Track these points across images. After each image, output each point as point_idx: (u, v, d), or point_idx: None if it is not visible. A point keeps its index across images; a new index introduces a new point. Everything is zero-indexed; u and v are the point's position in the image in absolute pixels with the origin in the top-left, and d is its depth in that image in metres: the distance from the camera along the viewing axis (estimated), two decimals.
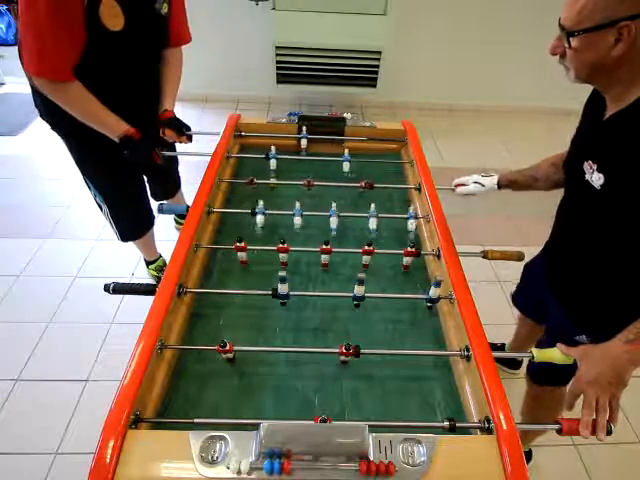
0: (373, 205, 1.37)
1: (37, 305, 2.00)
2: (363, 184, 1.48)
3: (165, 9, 1.40)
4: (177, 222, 2.45)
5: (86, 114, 1.36)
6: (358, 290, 1.07)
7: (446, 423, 0.83)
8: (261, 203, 1.35)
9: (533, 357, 0.93)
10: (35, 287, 2.10)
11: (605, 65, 0.80)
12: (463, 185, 1.37)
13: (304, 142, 1.69)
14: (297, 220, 1.35)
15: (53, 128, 1.52)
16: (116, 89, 1.42)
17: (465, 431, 0.87)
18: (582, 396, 0.83)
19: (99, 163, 1.60)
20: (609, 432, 0.78)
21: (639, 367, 0.83)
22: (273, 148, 1.60)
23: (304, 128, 1.70)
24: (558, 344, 0.92)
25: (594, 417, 0.80)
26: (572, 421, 0.80)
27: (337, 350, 0.96)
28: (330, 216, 1.35)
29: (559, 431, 0.81)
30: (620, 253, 0.94)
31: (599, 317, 1.06)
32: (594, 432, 0.78)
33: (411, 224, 1.39)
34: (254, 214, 1.35)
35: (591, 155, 0.90)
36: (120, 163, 1.59)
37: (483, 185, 1.32)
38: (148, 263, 2.18)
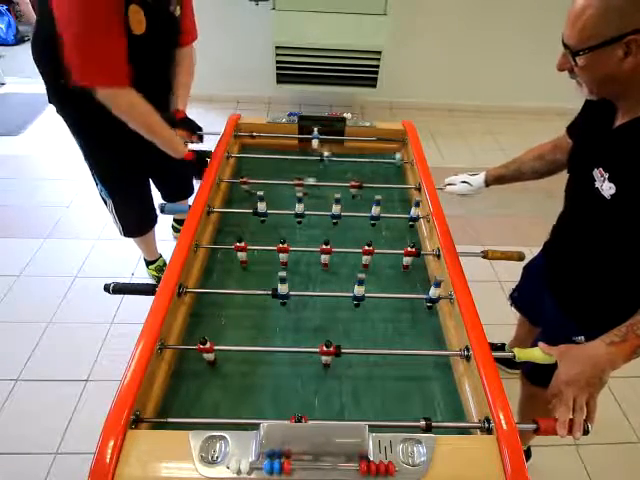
0: (377, 208, 1.36)
1: (37, 305, 2.00)
2: (350, 185, 1.48)
3: (178, 11, 1.47)
4: (175, 229, 2.41)
5: (147, 125, 1.41)
6: (358, 290, 1.07)
7: (422, 422, 0.83)
8: (261, 205, 1.35)
9: (515, 357, 0.93)
10: (35, 287, 2.10)
11: (617, 78, 0.78)
12: (452, 185, 1.38)
13: (315, 142, 1.69)
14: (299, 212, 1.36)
15: (68, 124, 1.54)
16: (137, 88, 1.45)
17: (465, 431, 0.87)
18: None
19: (109, 160, 1.63)
20: (586, 432, 0.78)
21: (617, 369, 0.82)
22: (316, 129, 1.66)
23: (315, 129, 1.70)
24: (540, 343, 0.92)
25: (571, 417, 0.79)
26: (549, 420, 0.80)
27: (336, 350, 0.96)
28: (332, 216, 1.36)
29: (536, 430, 0.80)
30: (624, 258, 0.93)
31: (600, 317, 1.06)
32: (571, 432, 0.78)
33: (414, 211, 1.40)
34: (255, 214, 1.35)
35: (602, 163, 0.88)
36: (128, 161, 1.65)
37: (471, 185, 1.33)
38: (148, 263, 2.18)
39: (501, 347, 1.83)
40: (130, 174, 1.71)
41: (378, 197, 1.33)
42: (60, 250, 2.30)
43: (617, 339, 0.82)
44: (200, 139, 1.64)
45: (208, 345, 0.94)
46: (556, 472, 1.57)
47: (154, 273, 2.16)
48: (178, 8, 1.47)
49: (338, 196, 1.32)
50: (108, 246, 2.32)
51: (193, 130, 1.62)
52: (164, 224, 2.43)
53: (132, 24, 1.27)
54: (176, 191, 2.08)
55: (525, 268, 1.43)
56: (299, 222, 1.38)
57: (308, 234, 1.39)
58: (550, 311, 1.17)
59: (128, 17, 1.25)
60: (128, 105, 1.34)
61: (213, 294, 1.19)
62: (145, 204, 1.88)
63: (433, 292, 1.09)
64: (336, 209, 1.34)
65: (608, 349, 0.81)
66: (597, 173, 0.89)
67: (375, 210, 1.35)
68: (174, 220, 2.39)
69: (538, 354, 0.91)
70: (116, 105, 1.32)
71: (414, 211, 1.37)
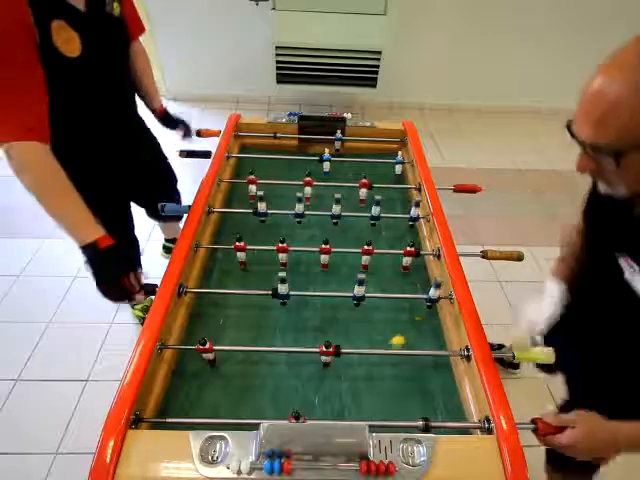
0: (377, 208, 1.36)
1: (37, 305, 2.00)
2: (359, 184, 1.47)
3: (117, 9, 1.20)
4: (165, 249, 2.22)
5: (51, 195, 1.04)
6: (358, 290, 1.07)
7: (420, 422, 0.83)
8: (262, 205, 1.35)
9: (514, 356, 0.92)
10: (35, 287, 2.10)
11: None
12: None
13: (338, 144, 1.72)
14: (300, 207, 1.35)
15: None
16: (92, 124, 1.22)
17: (465, 431, 0.87)
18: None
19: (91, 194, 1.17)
20: None
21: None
22: (327, 150, 1.63)
23: (338, 131, 1.71)
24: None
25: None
26: (547, 422, 0.80)
27: (336, 350, 0.96)
28: (332, 216, 1.36)
29: (534, 430, 0.81)
30: None
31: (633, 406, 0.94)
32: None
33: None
34: (255, 214, 1.35)
35: (630, 252, 0.80)
36: (116, 210, 1.47)
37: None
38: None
39: (499, 348, 1.83)
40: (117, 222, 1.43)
41: (378, 197, 1.33)
42: (60, 250, 2.30)
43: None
44: (187, 133, 1.59)
45: (207, 345, 0.94)
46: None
47: (139, 314, 1.97)
48: (116, 5, 1.19)
49: (338, 196, 1.32)
50: None
51: (187, 126, 1.58)
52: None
53: (60, 46, 0.99)
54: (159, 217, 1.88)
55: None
56: (299, 222, 1.39)
57: (308, 234, 1.39)
58: (574, 371, 1.09)
59: (52, 37, 0.97)
60: (23, 165, 1.01)
61: (213, 294, 1.19)
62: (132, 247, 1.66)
63: (433, 293, 1.09)
64: (336, 209, 1.34)
65: (625, 440, 0.78)
66: (625, 263, 0.81)
67: (375, 210, 1.35)
68: (166, 240, 2.21)
69: (539, 355, 0.91)
70: (11, 163, 1.00)
71: (414, 211, 1.37)
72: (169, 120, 1.56)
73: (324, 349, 0.95)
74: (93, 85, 1.15)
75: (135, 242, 1.67)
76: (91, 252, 1.03)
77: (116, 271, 1.04)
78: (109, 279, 1.05)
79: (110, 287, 1.05)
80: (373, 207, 1.35)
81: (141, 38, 1.45)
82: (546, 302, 0.96)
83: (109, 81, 1.22)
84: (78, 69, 1.06)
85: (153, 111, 1.54)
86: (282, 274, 1.04)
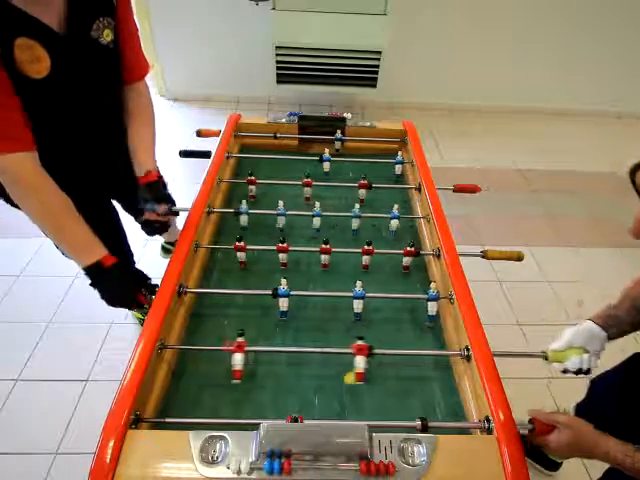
0: (357, 205, 1.39)
1: (37, 305, 2.00)
2: (358, 184, 1.49)
3: (108, 37, 1.07)
4: (164, 249, 2.15)
5: (48, 211, 1.02)
6: (357, 306, 1.10)
7: (418, 422, 0.83)
8: (244, 203, 1.37)
9: (547, 358, 0.93)
10: (35, 287, 2.09)
11: None
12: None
13: (338, 144, 1.73)
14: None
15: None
16: (59, 154, 1.12)
17: (465, 431, 0.87)
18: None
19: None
20: None
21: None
22: (327, 150, 1.64)
23: (338, 131, 1.71)
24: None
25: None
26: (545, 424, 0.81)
27: (336, 350, 0.97)
28: (314, 216, 1.36)
29: (532, 430, 0.81)
30: None
31: None
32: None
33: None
34: (238, 214, 1.36)
35: None
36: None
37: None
38: None
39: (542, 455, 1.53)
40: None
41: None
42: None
43: (628, 459, 0.74)
44: (169, 214, 1.20)
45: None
46: (556, 472, 1.57)
47: (139, 315, 1.94)
48: (108, 33, 1.07)
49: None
50: None
51: (160, 201, 1.17)
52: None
53: (23, 65, 0.91)
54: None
55: (592, 382, 1.22)
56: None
57: (308, 234, 1.39)
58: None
59: (14, 55, 0.90)
60: (12, 178, 0.97)
61: (213, 294, 1.19)
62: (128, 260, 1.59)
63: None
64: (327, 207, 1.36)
65: (609, 454, 0.76)
66: None
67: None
68: (165, 242, 2.13)
69: (571, 353, 0.91)
70: (12, 181, 0.97)
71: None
72: (156, 192, 1.17)
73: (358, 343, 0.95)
74: (59, 107, 1.06)
75: (129, 256, 1.61)
76: (97, 272, 1.03)
77: (128, 289, 1.06)
78: (123, 299, 1.07)
79: (123, 304, 1.08)
80: (356, 206, 1.38)
81: (145, 79, 1.27)
82: (575, 329, 0.93)
83: (82, 106, 1.12)
84: (42, 91, 0.98)
85: (144, 175, 1.18)
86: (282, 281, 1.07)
